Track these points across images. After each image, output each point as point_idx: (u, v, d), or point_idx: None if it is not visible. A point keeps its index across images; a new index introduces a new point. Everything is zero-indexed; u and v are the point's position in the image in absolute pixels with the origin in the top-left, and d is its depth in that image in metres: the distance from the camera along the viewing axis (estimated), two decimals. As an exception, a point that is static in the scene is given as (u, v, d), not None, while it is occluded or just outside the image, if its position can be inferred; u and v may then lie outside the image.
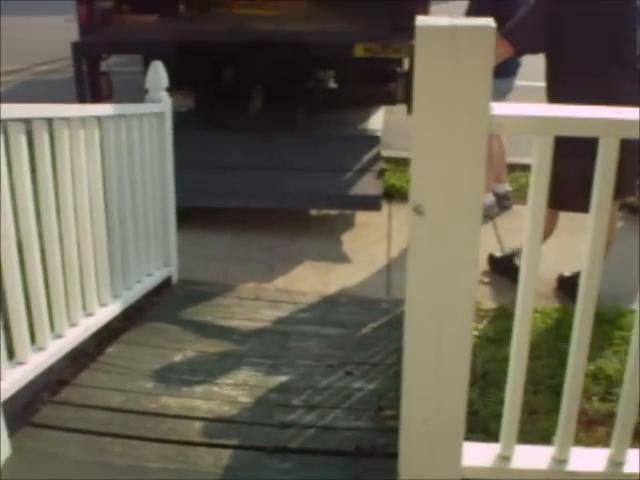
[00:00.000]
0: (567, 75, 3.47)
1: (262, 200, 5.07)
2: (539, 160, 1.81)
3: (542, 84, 3.63)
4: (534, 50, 3.61)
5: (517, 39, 3.45)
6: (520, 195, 5.20)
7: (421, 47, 1.67)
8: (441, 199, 1.76)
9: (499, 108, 1.72)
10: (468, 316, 1.87)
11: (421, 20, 1.68)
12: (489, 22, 1.66)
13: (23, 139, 2.52)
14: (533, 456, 2.15)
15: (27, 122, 2.54)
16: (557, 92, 3.50)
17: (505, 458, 2.11)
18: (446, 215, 1.77)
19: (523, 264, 1.94)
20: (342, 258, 4.67)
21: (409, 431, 2.06)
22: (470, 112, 1.69)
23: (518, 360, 2.04)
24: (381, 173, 5.31)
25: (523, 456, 2.13)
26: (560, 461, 2.11)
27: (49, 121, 2.68)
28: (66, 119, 2.81)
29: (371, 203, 5.08)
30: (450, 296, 1.84)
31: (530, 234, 1.89)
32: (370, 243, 4.83)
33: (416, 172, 1.76)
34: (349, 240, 4.93)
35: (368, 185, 4.91)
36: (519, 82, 5.07)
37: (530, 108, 1.80)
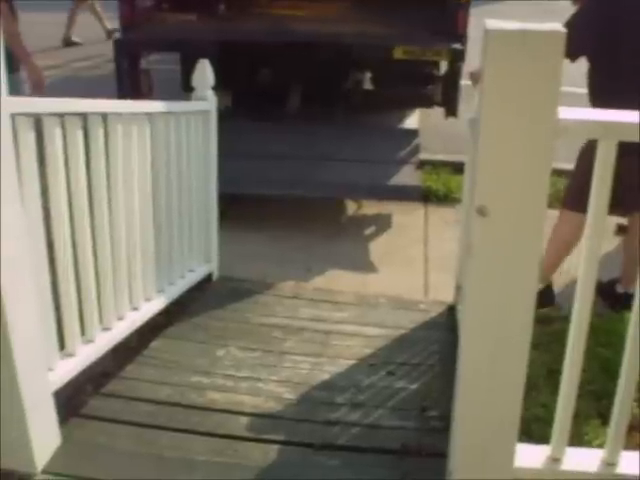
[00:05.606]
0: (620, 80, 3.34)
1: (303, 189, 5.04)
2: (602, 164, 1.82)
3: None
4: (579, 54, 3.42)
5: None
6: (555, 199, 5.17)
7: (491, 51, 1.69)
8: (506, 201, 1.77)
9: (565, 112, 1.73)
10: (528, 318, 1.88)
11: (491, 24, 1.69)
12: (558, 26, 1.68)
13: (80, 133, 2.55)
14: (583, 459, 2.17)
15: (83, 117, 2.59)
16: (609, 96, 3.32)
17: (556, 460, 2.12)
18: (510, 217, 1.78)
19: (581, 270, 1.94)
20: (379, 259, 4.67)
21: (462, 431, 2.08)
22: (538, 115, 1.70)
23: (572, 365, 2.05)
24: (420, 165, 5.29)
25: (573, 458, 2.14)
26: (610, 464, 2.13)
27: (104, 116, 2.72)
28: (119, 114, 2.85)
29: (412, 193, 5.09)
30: (510, 297, 1.86)
31: (590, 239, 1.89)
32: (407, 244, 4.83)
33: (482, 173, 1.78)
34: (386, 241, 4.94)
35: (408, 176, 4.89)
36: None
37: (595, 113, 1.81)
